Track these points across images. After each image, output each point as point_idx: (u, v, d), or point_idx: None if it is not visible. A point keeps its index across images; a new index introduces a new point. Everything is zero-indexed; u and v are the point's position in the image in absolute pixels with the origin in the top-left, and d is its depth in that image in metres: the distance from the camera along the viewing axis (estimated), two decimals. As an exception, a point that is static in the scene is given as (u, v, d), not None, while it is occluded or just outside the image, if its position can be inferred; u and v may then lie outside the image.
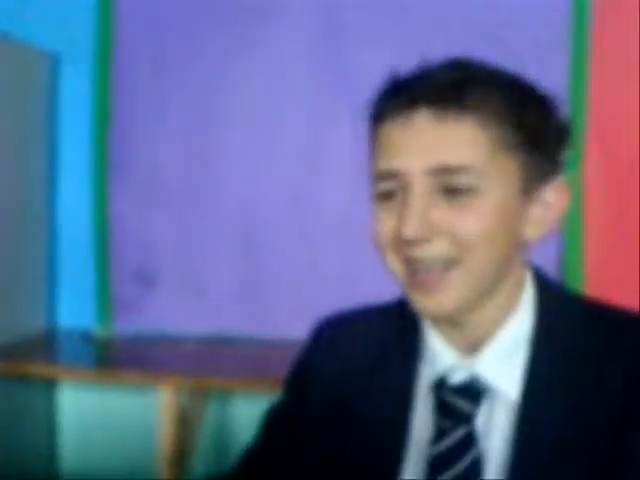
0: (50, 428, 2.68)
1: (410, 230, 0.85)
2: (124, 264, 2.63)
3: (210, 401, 2.41)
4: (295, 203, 2.49)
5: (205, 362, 2.35)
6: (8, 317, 2.46)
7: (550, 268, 2.28)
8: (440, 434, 0.92)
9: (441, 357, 0.93)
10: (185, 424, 2.20)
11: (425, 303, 0.89)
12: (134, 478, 2.47)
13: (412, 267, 0.88)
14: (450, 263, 0.86)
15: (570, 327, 0.92)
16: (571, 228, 2.33)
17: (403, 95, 0.86)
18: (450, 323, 0.93)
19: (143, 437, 2.46)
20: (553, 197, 0.89)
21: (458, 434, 0.91)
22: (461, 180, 0.84)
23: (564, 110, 0.92)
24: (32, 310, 2.62)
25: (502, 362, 0.91)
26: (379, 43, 2.40)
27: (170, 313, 2.59)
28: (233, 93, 2.52)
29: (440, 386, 0.93)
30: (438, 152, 0.85)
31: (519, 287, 0.93)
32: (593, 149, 2.30)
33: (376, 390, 0.97)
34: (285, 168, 2.49)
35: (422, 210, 0.85)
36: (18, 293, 2.54)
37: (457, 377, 0.92)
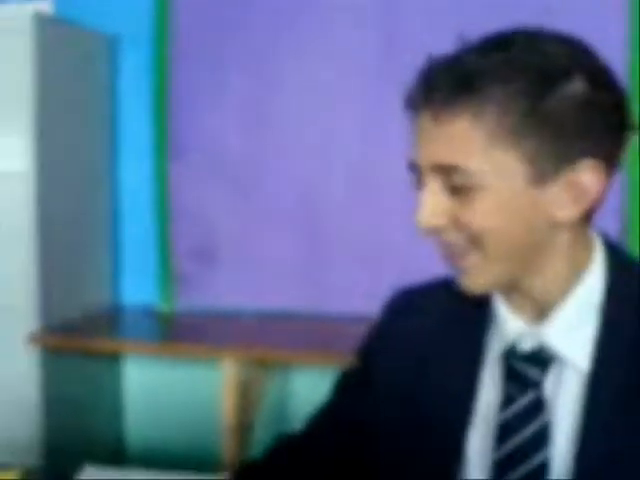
0: (116, 401, 2.77)
1: (421, 222, 0.89)
2: (185, 241, 2.69)
3: (270, 374, 2.46)
4: (356, 178, 2.51)
5: (265, 336, 2.39)
6: (74, 294, 2.55)
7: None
8: (508, 400, 0.93)
9: (510, 325, 0.95)
10: (246, 396, 2.24)
11: (461, 282, 0.92)
12: (198, 449, 2.54)
13: (444, 250, 0.92)
14: (467, 249, 0.89)
15: None
16: (633, 200, 2.31)
17: (412, 97, 0.89)
18: (510, 292, 0.94)
19: (206, 409, 2.53)
20: (582, 178, 0.87)
21: (526, 400, 0.92)
22: (460, 178, 0.86)
23: (620, 87, 0.89)
24: (97, 287, 2.70)
25: (571, 330, 0.92)
26: (436, 29, 2.41)
27: (230, 289, 2.64)
28: (292, 71, 2.54)
29: (509, 354, 0.95)
30: (437, 152, 0.87)
31: (583, 257, 0.93)
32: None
33: (446, 358, 0.99)
34: (345, 143, 2.51)
35: (432, 204, 0.88)
36: (84, 271, 2.62)
37: (526, 345, 0.93)
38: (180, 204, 2.68)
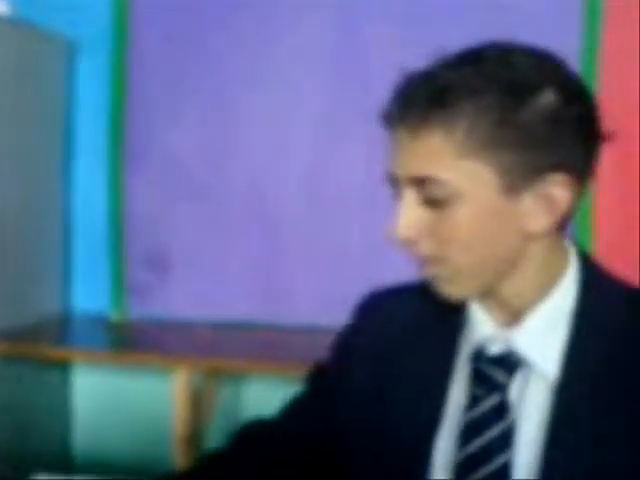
0: (64, 410, 2.72)
1: (397, 233, 0.91)
2: (138, 249, 2.66)
3: (223, 384, 2.44)
4: (313, 187, 2.51)
5: (218, 346, 2.38)
6: (24, 301, 2.50)
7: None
8: (473, 402, 0.95)
9: (481, 328, 0.97)
10: (198, 407, 2.23)
11: (437, 290, 0.95)
12: (148, 460, 2.51)
13: (419, 261, 0.94)
14: (441, 260, 0.91)
15: (614, 308, 0.94)
16: (582, 214, 2.35)
17: (388, 113, 0.92)
18: (484, 297, 0.96)
19: (157, 419, 2.50)
20: (554, 190, 0.89)
21: (490, 402, 0.94)
22: (433, 191, 0.89)
23: (591, 100, 0.91)
24: (48, 294, 2.66)
25: (540, 336, 0.93)
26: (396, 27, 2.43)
27: (184, 298, 2.62)
28: (249, 78, 2.54)
29: (478, 356, 0.96)
30: (412, 165, 0.89)
31: (556, 266, 0.95)
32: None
33: (418, 359, 1.01)
34: (302, 152, 2.51)
35: (408, 215, 0.91)
36: (34, 277, 2.58)
37: (495, 348, 0.95)
38: (135, 212, 2.66)
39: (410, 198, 0.91)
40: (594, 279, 0.96)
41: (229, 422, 2.52)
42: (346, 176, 2.44)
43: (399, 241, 0.92)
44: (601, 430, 0.89)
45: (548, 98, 0.87)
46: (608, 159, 2.32)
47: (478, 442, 0.93)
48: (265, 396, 2.52)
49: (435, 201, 0.89)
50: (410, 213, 0.91)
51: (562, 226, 0.93)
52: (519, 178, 0.87)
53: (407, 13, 2.43)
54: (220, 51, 2.57)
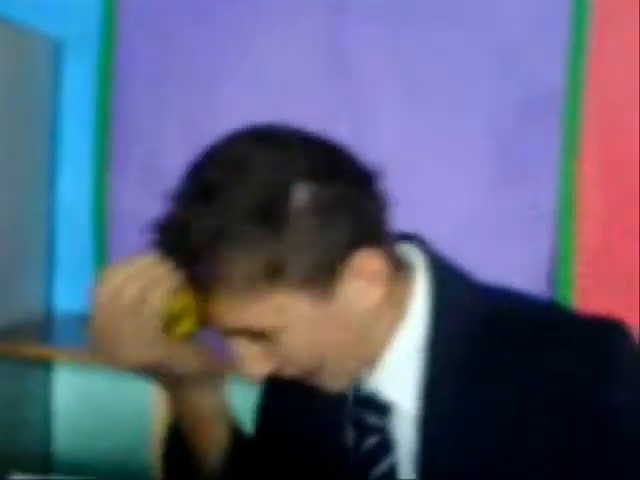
0: (46, 410, 2.72)
1: (256, 374, 0.89)
2: (122, 250, 2.66)
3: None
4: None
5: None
6: (5, 300, 2.49)
7: (543, 257, 2.32)
8: (355, 446, 0.96)
9: None
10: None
11: (325, 389, 0.93)
12: (128, 459, 2.51)
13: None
14: (310, 375, 0.90)
15: (473, 333, 0.91)
16: (566, 219, 2.36)
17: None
18: None
19: (138, 418, 2.50)
20: (363, 268, 0.85)
21: (369, 443, 0.94)
22: (254, 333, 0.85)
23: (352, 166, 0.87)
24: (30, 294, 2.65)
25: (394, 374, 0.92)
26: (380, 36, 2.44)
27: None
28: (237, 83, 2.55)
29: (354, 401, 0.96)
30: (215, 319, 0.86)
31: (400, 308, 0.92)
32: (590, 140, 2.34)
33: (313, 407, 0.99)
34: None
35: (251, 356, 0.88)
36: (16, 277, 2.57)
37: (364, 391, 0.95)
38: (119, 211, 2.66)
39: (240, 342, 0.87)
40: (446, 301, 0.92)
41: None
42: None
43: (263, 377, 0.90)
44: (465, 463, 0.89)
45: (300, 195, 0.81)
46: (593, 160, 2.36)
47: None
48: (244, 396, 2.53)
49: (265, 338, 0.86)
50: (249, 354, 0.87)
51: (392, 274, 0.89)
52: (321, 280, 0.83)
53: (398, 13, 2.44)
54: (208, 52, 2.57)
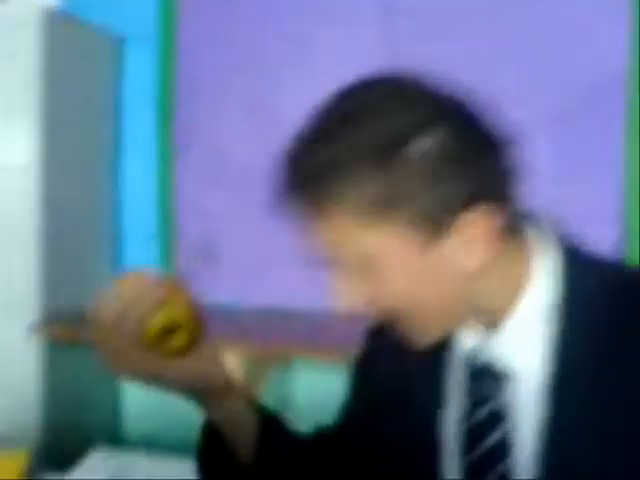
0: (116, 392, 2.80)
1: (345, 306, 0.90)
2: (187, 237, 2.71)
3: (272, 370, 2.48)
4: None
5: (267, 332, 2.41)
6: (78, 288, 2.57)
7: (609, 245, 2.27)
8: (467, 414, 0.95)
9: (464, 341, 0.97)
10: (247, 391, 2.25)
11: (409, 341, 0.93)
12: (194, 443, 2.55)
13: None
14: (399, 321, 0.90)
15: (605, 295, 0.89)
16: (631, 211, 2.34)
17: (278, 195, 0.91)
18: None
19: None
20: (476, 223, 0.84)
21: (482, 413, 0.93)
22: (354, 262, 0.86)
23: (488, 126, 0.86)
24: (99, 281, 2.71)
25: (519, 342, 0.91)
26: (436, 38, 2.43)
27: (233, 288, 2.67)
28: (298, 72, 2.57)
29: (466, 368, 0.96)
30: (322, 242, 0.87)
31: (520, 269, 0.91)
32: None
33: (416, 376, 1.00)
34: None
35: (345, 288, 0.89)
36: (87, 263, 2.65)
37: (480, 359, 0.94)
38: (183, 202, 2.71)
39: (337, 272, 0.88)
40: (573, 268, 0.91)
41: (278, 408, 2.55)
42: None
43: (344, 312, 0.90)
44: (597, 428, 0.86)
45: (428, 142, 0.82)
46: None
47: (477, 452, 0.93)
48: (314, 381, 2.56)
49: (364, 271, 0.86)
50: (344, 287, 0.88)
51: (505, 236, 0.88)
52: (431, 226, 0.83)
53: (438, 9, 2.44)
54: (268, 40, 2.59)
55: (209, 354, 0.96)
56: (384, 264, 0.85)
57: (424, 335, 0.92)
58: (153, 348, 0.90)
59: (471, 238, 0.85)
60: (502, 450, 0.92)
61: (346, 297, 0.89)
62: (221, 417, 1.02)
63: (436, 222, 0.83)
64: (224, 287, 2.67)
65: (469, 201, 0.83)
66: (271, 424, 1.05)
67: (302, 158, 0.86)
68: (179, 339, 0.90)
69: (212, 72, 2.65)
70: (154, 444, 2.70)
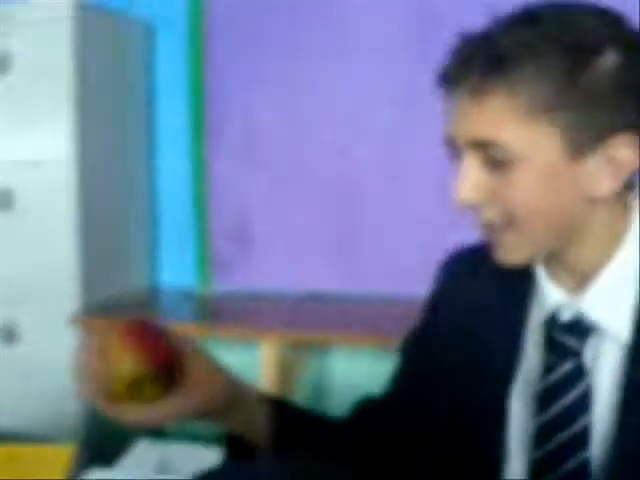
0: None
1: (460, 196, 0.90)
2: (222, 225, 2.72)
3: (309, 355, 2.48)
4: (390, 163, 2.51)
5: (303, 318, 2.41)
6: (115, 276, 2.59)
7: None
8: (548, 369, 0.96)
9: (550, 295, 0.97)
10: (285, 379, 2.26)
11: (498, 256, 0.95)
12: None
13: (480, 227, 0.94)
14: (504, 226, 0.91)
15: None
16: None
17: (447, 75, 0.90)
18: (549, 263, 0.96)
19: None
20: (619, 152, 0.87)
21: (565, 368, 0.94)
22: (497, 154, 0.87)
23: None
24: (136, 269, 2.74)
25: (609, 299, 0.92)
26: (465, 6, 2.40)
27: (267, 272, 2.67)
28: (329, 56, 2.55)
29: (549, 323, 0.97)
30: (472, 127, 0.88)
31: (620, 228, 0.93)
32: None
33: (492, 325, 1.02)
34: (381, 128, 2.51)
35: (471, 178, 0.90)
36: (123, 254, 2.67)
37: (565, 315, 0.95)
38: (217, 187, 2.71)
39: (471, 161, 0.90)
40: None
41: (316, 393, 2.56)
42: (423, 153, 2.42)
43: (462, 204, 0.91)
44: None
45: (611, 59, 0.85)
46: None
47: (555, 408, 0.94)
48: (350, 367, 2.56)
49: (497, 164, 0.88)
50: (472, 176, 0.90)
51: (627, 188, 0.91)
52: (583, 141, 0.86)
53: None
54: (299, 24, 2.57)
55: (200, 378, 0.92)
56: (524, 165, 0.87)
57: (514, 251, 0.93)
58: (128, 401, 0.87)
59: (613, 165, 0.87)
60: (582, 406, 0.93)
61: (467, 189, 0.90)
62: (237, 423, 1.01)
63: (589, 139, 0.86)
64: (260, 272, 2.68)
65: (624, 128, 0.86)
66: (285, 412, 1.05)
67: (496, 39, 0.87)
68: (150, 390, 0.87)
69: (243, 56, 2.64)
70: (195, 435, 2.72)
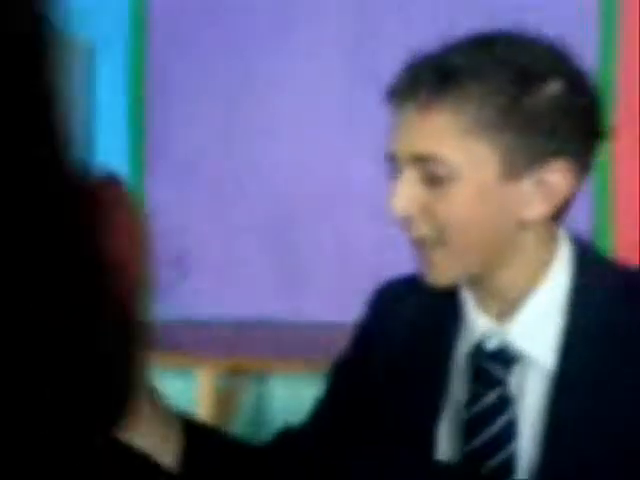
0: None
1: (395, 209, 0.92)
2: (159, 248, 2.67)
3: (246, 383, 2.46)
4: (329, 188, 2.51)
5: (240, 345, 2.39)
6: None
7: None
8: (474, 398, 0.96)
9: (477, 324, 0.97)
10: (222, 406, 2.24)
11: (426, 276, 0.96)
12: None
13: (412, 244, 0.96)
14: (434, 243, 0.93)
15: (610, 296, 0.94)
16: (601, 199, 2.33)
17: (396, 90, 0.93)
18: (475, 288, 0.97)
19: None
20: (553, 177, 0.90)
21: (491, 397, 0.94)
22: (436, 169, 0.90)
23: (595, 94, 0.94)
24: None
25: (534, 328, 0.94)
26: (411, 23, 2.42)
27: (204, 297, 2.63)
28: (267, 79, 2.55)
29: (475, 352, 0.97)
30: (416, 142, 0.91)
31: (548, 255, 0.95)
32: (622, 118, 2.30)
33: (419, 356, 1.02)
34: (320, 153, 2.52)
35: (407, 192, 0.92)
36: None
37: (491, 343, 0.96)
38: (154, 212, 2.67)
39: (409, 175, 0.92)
40: (588, 264, 0.96)
41: (254, 421, 2.53)
42: (363, 180, 2.42)
43: (397, 216, 0.92)
44: (603, 415, 0.90)
45: (555, 88, 0.89)
46: (628, 151, 2.32)
47: (482, 437, 0.95)
48: (290, 394, 2.53)
49: (435, 180, 0.90)
50: (408, 190, 0.92)
51: (557, 215, 0.94)
52: (519, 162, 0.89)
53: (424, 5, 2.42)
54: (239, 49, 2.57)
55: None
56: (461, 181, 0.89)
57: (443, 270, 0.94)
58: None
59: (546, 190, 0.90)
60: (508, 435, 0.94)
61: (403, 201, 0.92)
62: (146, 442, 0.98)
63: (526, 161, 0.89)
64: (197, 298, 2.64)
65: (561, 155, 0.89)
66: (196, 436, 1.03)
67: (448, 59, 0.91)
68: None
69: (183, 78, 2.62)
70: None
